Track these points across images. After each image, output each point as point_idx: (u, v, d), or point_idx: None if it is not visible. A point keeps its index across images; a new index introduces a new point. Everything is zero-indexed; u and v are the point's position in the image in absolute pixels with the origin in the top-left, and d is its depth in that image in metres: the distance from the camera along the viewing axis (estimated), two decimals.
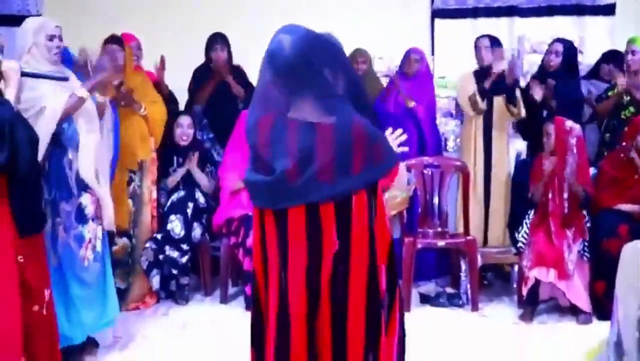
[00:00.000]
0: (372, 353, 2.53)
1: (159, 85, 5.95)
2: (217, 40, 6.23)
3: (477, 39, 6.15)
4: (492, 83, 5.83)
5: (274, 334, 2.57)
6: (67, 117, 4.04)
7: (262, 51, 2.58)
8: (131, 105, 5.36)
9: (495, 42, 6.06)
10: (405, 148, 2.88)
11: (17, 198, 3.49)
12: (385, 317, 2.62)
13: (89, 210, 4.19)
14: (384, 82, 6.49)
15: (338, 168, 2.44)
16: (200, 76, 6.32)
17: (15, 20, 6.01)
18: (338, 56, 2.56)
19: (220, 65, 6.18)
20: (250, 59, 5.59)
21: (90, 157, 4.28)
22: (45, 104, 3.89)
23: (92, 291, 4.28)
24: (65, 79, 4.11)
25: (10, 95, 3.55)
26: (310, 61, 2.44)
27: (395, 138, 2.74)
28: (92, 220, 4.22)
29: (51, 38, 4.02)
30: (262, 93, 2.55)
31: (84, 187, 4.20)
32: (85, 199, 4.20)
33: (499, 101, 5.96)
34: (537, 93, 5.72)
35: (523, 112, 5.87)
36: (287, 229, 2.52)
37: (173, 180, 5.73)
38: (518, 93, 5.87)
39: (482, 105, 5.92)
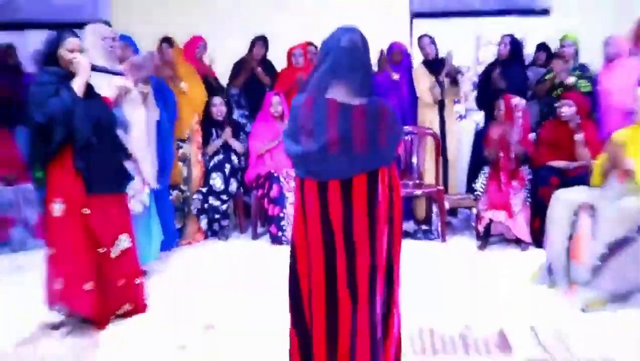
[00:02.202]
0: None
1: (206, 77, 6.09)
2: (260, 40, 6.45)
3: (419, 38, 6.22)
4: (443, 75, 5.96)
5: (324, 285, 2.50)
6: (115, 103, 3.98)
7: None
8: (172, 80, 5.44)
9: (432, 40, 6.15)
10: None
11: (78, 163, 3.61)
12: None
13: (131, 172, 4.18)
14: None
15: (370, 143, 2.38)
16: (238, 67, 6.48)
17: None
18: (369, 51, 2.51)
19: (249, 58, 6.35)
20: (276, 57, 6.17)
21: (138, 132, 4.35)
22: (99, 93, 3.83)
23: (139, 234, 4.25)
24: (121, 73, 4.06)
25: (76, 84, 3.59)
26: (361, 52, 2.41)
27: None
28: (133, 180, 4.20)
29: (104, 39, 4.05)
30: (315, 79, 2.46)
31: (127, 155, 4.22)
32: (129, 165, 4.18)
33: (448, 87, 6.07)
34: (497, 80, 5.88)
35: (461, 93, 6.03)
36: (327, 199, 2.43)
37: (212, 148, 5.86)
38: (459, 77, 6.00)
39: (439, 95, 6.02)
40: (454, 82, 6.08)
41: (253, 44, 6.47)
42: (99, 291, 3.73)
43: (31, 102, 3.59)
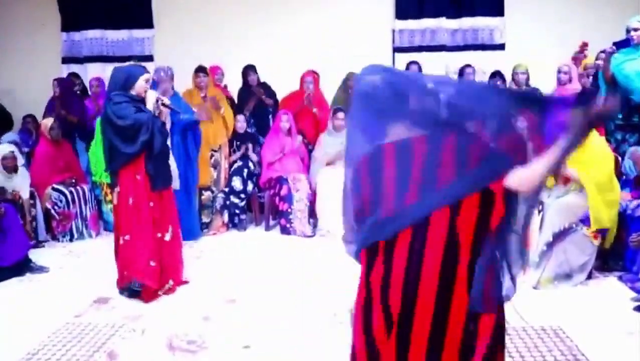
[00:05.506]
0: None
1: (226, 97, 6.00)
2: (250, 69, 6.22)
3: (409, 63, 6.18)
4: None
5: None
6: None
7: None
8: (217, 107, 5.47)
9: (419, 67, 6.09)
10: None
11: (148, 166, 3.73)
12: None
13: None
14: None
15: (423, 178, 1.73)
16: (243, 94, 6.25)
17: (135, 59, 5.98)
18: (417, 81, 1.88)
19: (255, 87, 6.12)
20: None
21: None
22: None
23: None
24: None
25: (150, 108, 3.73)
26: (396, 90, 1.77)
27: None
28: None
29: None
30: (358, 128, 1.86)
31: None
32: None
33: None
34: None
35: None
36: (427, 233, 1.72)
37: (234, 158, 5.75)
38: None
39: None
40: None
41: (245, 72, 6.24)
42: (159, 268, 3.83)
43: (115, 115, 3.66)
